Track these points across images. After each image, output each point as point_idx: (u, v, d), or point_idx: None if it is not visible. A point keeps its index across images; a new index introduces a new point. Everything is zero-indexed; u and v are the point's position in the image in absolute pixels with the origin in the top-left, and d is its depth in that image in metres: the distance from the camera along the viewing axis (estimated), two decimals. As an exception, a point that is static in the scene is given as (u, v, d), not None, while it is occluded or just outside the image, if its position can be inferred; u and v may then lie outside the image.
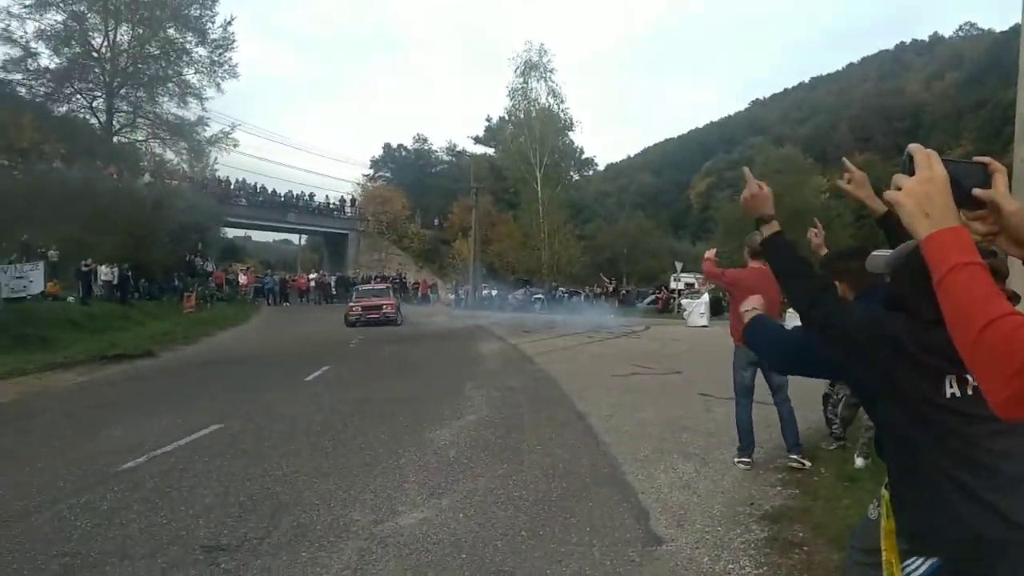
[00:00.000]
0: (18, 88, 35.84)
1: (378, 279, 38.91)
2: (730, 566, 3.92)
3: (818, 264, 2.78)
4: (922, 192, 1.15)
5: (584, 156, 63.37)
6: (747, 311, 2.66)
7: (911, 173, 1.18)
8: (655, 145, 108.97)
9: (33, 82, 36.16)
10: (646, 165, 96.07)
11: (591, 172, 71.40)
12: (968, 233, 1.14)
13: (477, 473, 5.95)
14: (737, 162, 69.21)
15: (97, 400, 10.10)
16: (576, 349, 17.31)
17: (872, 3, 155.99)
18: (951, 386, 1.59)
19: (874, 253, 1.95)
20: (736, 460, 6.09)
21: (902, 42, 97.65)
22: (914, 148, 1.20)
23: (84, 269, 24.04)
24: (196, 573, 3.90)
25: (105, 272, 26.08)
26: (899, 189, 1.18)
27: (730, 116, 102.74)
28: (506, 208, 55.00)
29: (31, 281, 20.14)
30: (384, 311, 25.37)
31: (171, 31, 38.65)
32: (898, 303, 1.74)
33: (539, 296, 40.16)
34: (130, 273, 27.14)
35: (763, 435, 6.48)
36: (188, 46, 39.03)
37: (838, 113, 78.36)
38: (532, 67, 48.90)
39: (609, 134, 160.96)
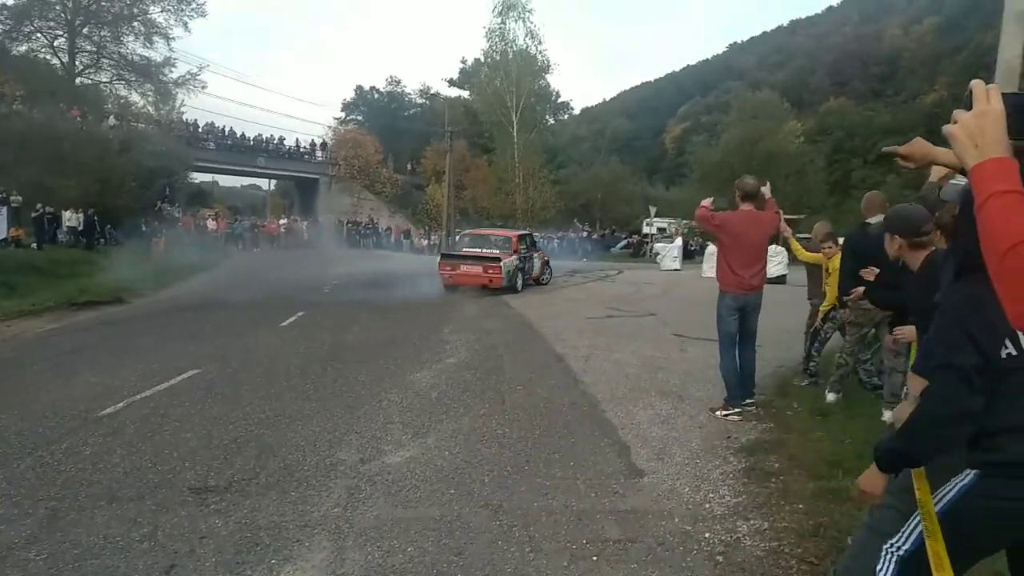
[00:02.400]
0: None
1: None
2: (710, 495, 4.06)
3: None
4: (975, 125, 1.18)
5: (560, 100, 62.59)
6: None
7: (971, 108, 1.19)
8: (631, 89, 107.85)
9: (-10, 21, 34.54)
10: (622, 109, 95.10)
11: (566, 116, 70.69)
12: (1014, 164, 1.15)
13: (460, 413, 6.03)
14: (713, 106, 69.08)
15: (70, 347, 9.97)
16: (551, 293, 17.41)
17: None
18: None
19: (951, 181, 1.94)
20: (723, 414, 5.84)
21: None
22: (975, 83, 1.22)
23: (35, 215, 23.42)
24: (186, 513, 3.94)
25: (69, 217, 25.47)
26: (956, 123, 1.20)
27: (707, 60, 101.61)
28: (480, 153, 54.40)
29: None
30: (489, 272, 16.51)
31: (136, -33, 36.96)
32: (970, 259, 1.76)
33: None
34: (96, 219, 26.53)
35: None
36: (154, -17, 37.39)
37: (816, 58, 77.82)
38: (510, 7, 47.70)
39: (585, 77, 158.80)
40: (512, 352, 9.05)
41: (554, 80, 57.89)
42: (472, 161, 52.66)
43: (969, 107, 1.20)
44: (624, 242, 40.26)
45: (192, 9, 38.35)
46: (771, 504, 3.89)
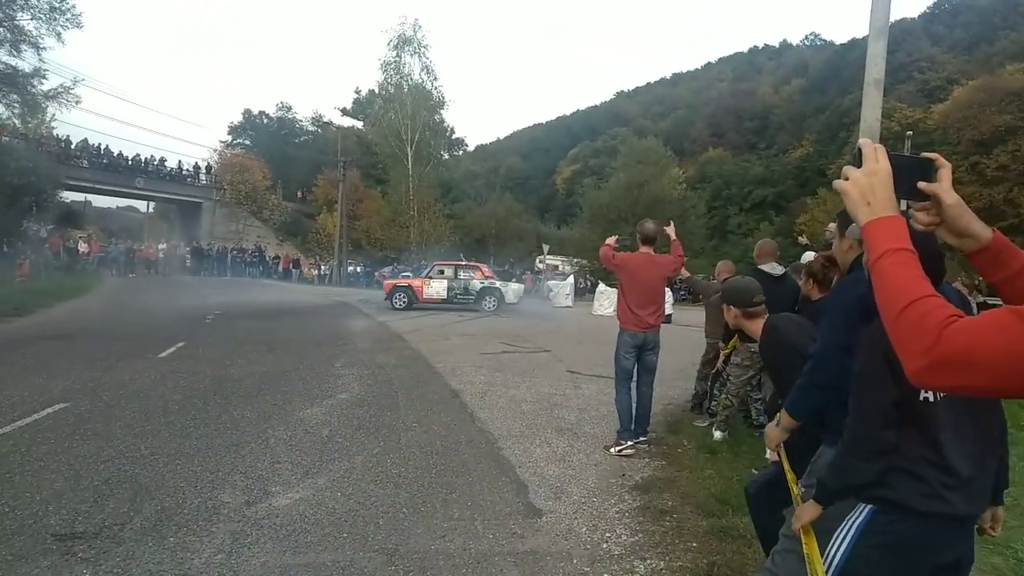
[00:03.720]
0: None
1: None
2: (607, 534, 4.10)
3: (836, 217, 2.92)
4: (866, 183, 1.25)
5: (455, 136, 63.25)
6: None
7: (859, 166, 1.27)
8: (524, 129, 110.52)
9: None
10: (515, 148, 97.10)
11: (461, 152, 71.53)
12: (904, 222, 1.23)
13: (353, 452, 5.85)
14: (601, 150, 71.63)
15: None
16: (446, 327, 17.32)
17: (729, 6, 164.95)
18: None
19: (854, 225, 2.07)
20: (617, 451, 5.92)
21: (755, 46, 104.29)
22: (864, 142, 1.30)
23: None
24: (49, 564, 3.59)
25: (-83, 235, 23.19)
26: (847, 180, 1.27)
27: (595, 106, 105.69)
28: (374, 184, 53.96)
29: None
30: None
31: (1, -32, 34.57)
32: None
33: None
34: (-52, 237, 24.29)
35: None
36: (22, -13, 35.04)
37: (696, 109, 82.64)
38: (406, 42, 48.08)
39: (480, 115, 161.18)
40: (407, 388, 8.90)
41: (449, 116, 58.68)
42: (365, 191, 52.17)
43: (858, 164, 1.28)
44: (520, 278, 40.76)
45: (66, 19, 36.17)
46: (666, 543, 3.98)
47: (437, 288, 23.26)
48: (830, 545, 1.92)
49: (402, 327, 16.58)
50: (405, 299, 22.88)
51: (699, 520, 4.17)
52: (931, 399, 1.81)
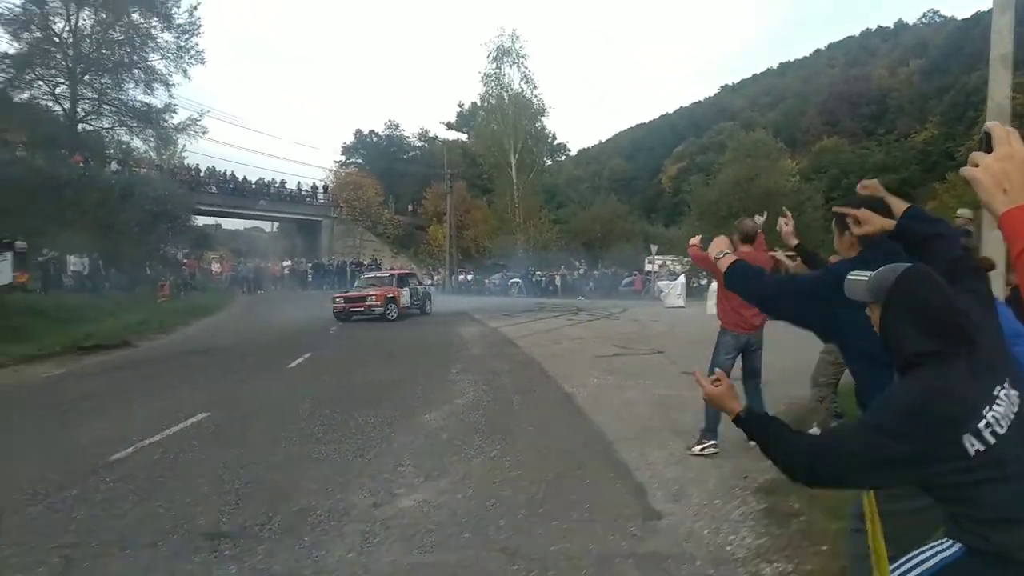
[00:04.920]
0: (-22, 75, 34.80)
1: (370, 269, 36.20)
2: (731, 537, 4.01)
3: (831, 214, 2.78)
4: (999, 169, 1.16)
5: (556, 142, 63.30)
6: (719, 256, 2.74)
7: (989, 150, 1.18)
8: (626, 130, 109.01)
9: (-8, 68, 35.11)
10: (618, 150, 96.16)
11: (563, 157, 71.35)
12: None
13: (471, 455, 5.98)
14: (707, 146, 69.83)
15: (78, 392, 9.92)
16: (557, 332, 17.39)
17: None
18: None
19: (850, 276, 1.92)
20: (699, 449, 5.76)
21: (868, 29, 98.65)
22: (992, 126, 1.21)
23: (40, 259, 23.57)
24: (200, 560, 3.89)
25: (74, 262, 25.59)
26: (976, 166, 1.19)
27: (699, 102, 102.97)
28: (480, 194, 54.85)
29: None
30: (369, 303, 21.10)
31: (135, 16, 37.68)
32: (911, 358, 1.71)
33: (516, 280, 40.23)
34: (101, 263, 26.64)
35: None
36: (153, 31, 38.10)
37: (806, 98, 78.97)
38: (505, 53, 48.69)
39: (581, 120, 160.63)
40: (521, 392, 9.00)
41: (550, 122, 58.71)
42: (472, 202, 53.09)
43: (988, 149, 1.19)
44: (628, 279, 40.22)
45: (191, 56, 38.96)
46: (794, 546, 3.84)
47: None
48: (907, 560, 1.80)
49: (513, 332, 16.77)
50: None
51: (829, 522, 4.00)
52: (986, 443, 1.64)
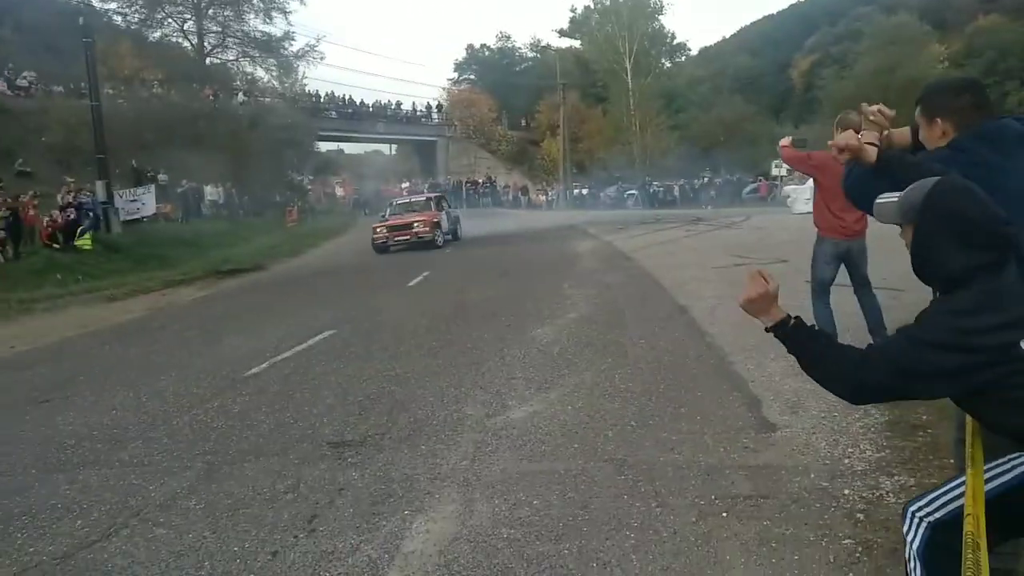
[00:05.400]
0: (114, 17, 36.98)
1: (416, 192, 33.51)
2: (849, 450, 3.84)
3: (916, 101, 2.51)
4: None
5: (675, 42, 60.09)
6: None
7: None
8: (752, 24, 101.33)
9: (127, 10, 37.17)
10: (743, 46, 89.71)
11: (683, 58, 67.56)
12: None
13: (582, 368, 6.01)
14: (843, 36, 64.03)
15: (218, 312, 10.76)
16: (673, 243, 16.97)
17: None
18: None
19: (879, 199, 1.79)
20: None
21: None
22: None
23: (180, 191, 25.32)
24: (326, 467, 4.17)
25: (210, 192, 27.30)
26: None
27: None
28: (595, 103, 53.33)
29: (144, 204, 21.45)
30: (416, 230, 19.16)
31: (252, -54, 38.52)
32: (959, 274, 1.62)
33: (632, 192, 39.36)
34: (234, 191, 28.29)
35: (854, 320, 6.04)
36: (268, -42, 38.88)
37: (959, -28, 70.39)
38: (619, -51, 46.19)
39: (702, 15, 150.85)
40: (633, 305, 8.91)
41: (668, 21, 55.59)
42: (586, 112, 51.81)
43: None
44: (752, 186, 38.36)
45: (306, -21, 39.61)
46: (918, 459, 3.63)
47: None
48: (992, 467, 1.71)
49: (627, 246, 16.52)
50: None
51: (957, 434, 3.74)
52: None
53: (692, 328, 7.34)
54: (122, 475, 4.26)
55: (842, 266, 5.73)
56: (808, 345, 1.83)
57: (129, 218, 20.50)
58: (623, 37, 45.75)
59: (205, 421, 5.20)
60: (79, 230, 17.59)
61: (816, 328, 1.86)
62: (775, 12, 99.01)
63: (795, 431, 4.21)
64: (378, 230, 19.35)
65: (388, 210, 21.24)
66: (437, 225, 19.66)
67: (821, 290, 5.66)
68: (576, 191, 43.70)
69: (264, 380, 6.30)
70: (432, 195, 23.37)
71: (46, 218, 17.83)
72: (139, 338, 9.46)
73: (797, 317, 1.87)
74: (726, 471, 3.71)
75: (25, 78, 30.87)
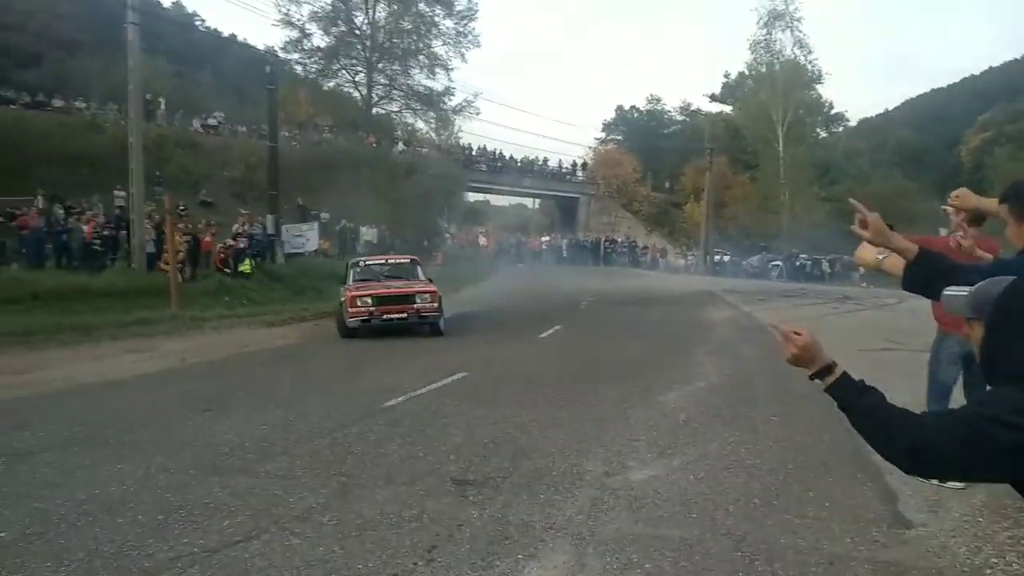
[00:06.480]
0: (295, 66, 40.88)
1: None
2: (993, 560, 3.58)
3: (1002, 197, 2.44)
4: None
5: (833, 111, 58.20)
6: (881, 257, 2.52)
7: None
8: (918, 96, 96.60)
9: (307, 60, 41.11)
10: (907, 120, 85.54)
11: (840, 128, 65.25)
12: None
13: (708, 438, 5.93)
14: (1020, 113, 59.49)
15: (362, 345, 11.44)
16: (818, 320, 16.25)
17: None
18: None
19: (946, 292, 1.74)
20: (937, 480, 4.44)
21: None
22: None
23: (338, 229, 27.21)
24: (448, 501, 4.38)
25: (366, 232, 29.09)
26: None
27: (1015, 60, 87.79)
28: (742, 169, 52.35)
29: (307, 240, 23.18)
30: (419, 305, 12.61)
31: (422, 6, 41.58)
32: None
33: (777, 263, 38.04)
34: (387, 233, 30.01)
35: None
36: (436, 19, 41.80)
37: None
38: (777, 17, 45.73)
39: (863, 86, 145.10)
40: (768, 380, 8.65)
41: (826, 90, 53.76)
42: (733, 178, 50.88)
43: None
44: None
45: (468, 41, 42.18)
46: (1073, 581, 3.34)
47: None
48: None
49: (767, 318, 15.99)
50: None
51: None
52: None
53: (830, 411, 6.96)
54: (267, 485, 4.66)
55: None
56: (861, 399, 1.77)
57: (292, 251, 22.25)
58: (777, 104, 44.87)
59: (344, 444, 5.59)
60: (242, 256, 19.34)
61: (869, 386, 1.80)
62: (944, 85, 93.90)
63: (932, 531, 3.98)
64: (357, 300, 12.43)
65: (353, 273, 14.11)
66: (440, 299, 13.13)
67: (941, 394, 5.02)
68: (717, 257, 42.75)
69: (399, 413, 6.67)
70: (414, 259, 15.89)
71: (219, 245, 19.74)
72: (291, 362, 10.26)
73: (842, 370, 1.88)
74: (851, 563, 3.57)
75: (215, 117, 34.58)
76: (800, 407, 7.15)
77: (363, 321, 12.27)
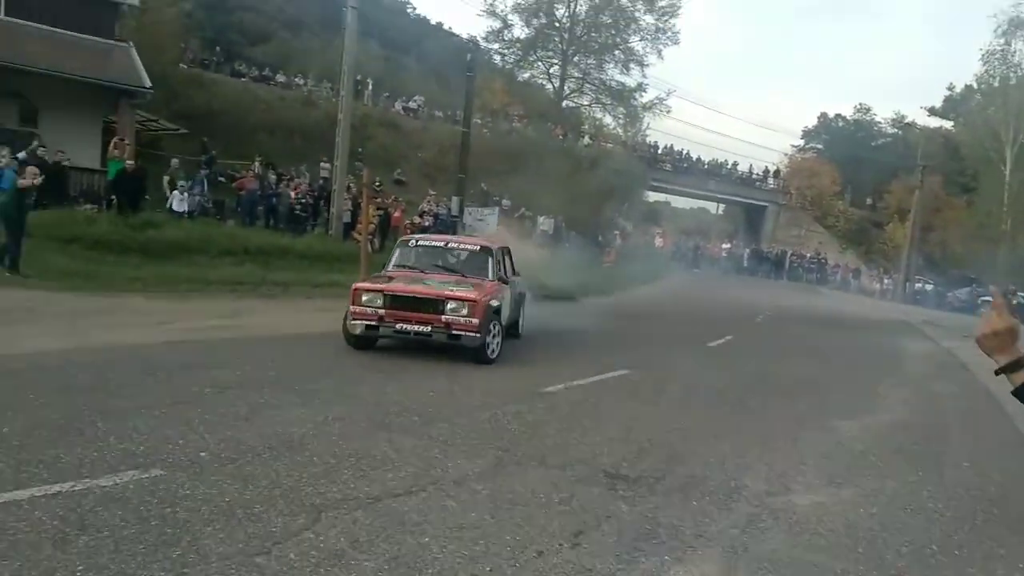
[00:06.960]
0: (494, 56, 42.24)
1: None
2: None
3: None
4: None
5: (1078, 134, 51.03)
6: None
7: None
8: None
9: (506, 51, 42.28)
10: None
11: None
12: None
13: (885, 474, 5.48)
14: None
15: (530, 332, 11.67)
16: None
17: None
18: None
19: None
20: None
21: None
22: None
23: (516, 216, 27.91)
24: (598, 492, 4.38)
25: (543, 222, 29.56)
26: None
27: None
28: (958, 192, 47.31)
29: (487, 224, 23.99)
30: (449, 318, 8.11)
31: (624, 0, 41.35)
32: None
33: (989, 299, 34.12)
34: (563, 224, 30.33)
35: None
36: (637, 14, 41.38)
37: None
38: (1018, 26, 40.63)
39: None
40: (962, 423, 7.84)
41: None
42: (946, 200, 46.08)
43: None
44: None
45: (667, 37, 41.37)
46: None
47: None
48: None
49: (969, 356, 14.39)
50: None
51: None
52: None
53: (1034, 465, 6.26)
54: (428, 447, 4.90)
55: None
56: None
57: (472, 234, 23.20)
58: (1008, 123, 39.98)
59: (502, 422, 5.75)
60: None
61: None
62: None
63: None
64: (363, 296, 8.49)
65: (397, 255, 10.08)
66: (493, 313, 8.62)
67: None
68: (918, 285, 39.03)
69: (558, 399, 6.75)
70: (496, 245, 10.28)
71: (407, 221, 20.90)
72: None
73: None
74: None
75: (415, 101, 36.54)
76: (999, 457, 6.44)
77: (369, 327, 8.42)
